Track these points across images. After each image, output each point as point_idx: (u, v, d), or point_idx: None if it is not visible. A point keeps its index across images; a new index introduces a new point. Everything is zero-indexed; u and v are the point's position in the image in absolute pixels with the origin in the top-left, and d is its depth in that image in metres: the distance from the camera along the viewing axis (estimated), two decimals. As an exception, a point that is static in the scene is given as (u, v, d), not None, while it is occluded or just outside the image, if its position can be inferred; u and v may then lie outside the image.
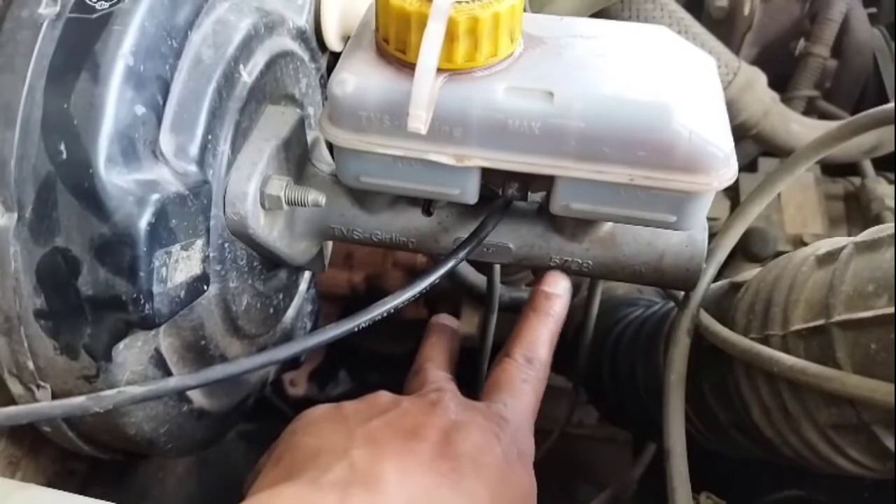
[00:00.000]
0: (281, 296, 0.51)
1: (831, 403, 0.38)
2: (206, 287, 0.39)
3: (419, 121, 0.32)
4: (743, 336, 0.43)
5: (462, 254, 0.41)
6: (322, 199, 0.41)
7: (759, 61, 0.85)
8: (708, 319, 0.46)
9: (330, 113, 0.37)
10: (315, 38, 0.51)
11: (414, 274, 0.84)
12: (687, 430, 0.45)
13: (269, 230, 0.42)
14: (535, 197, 0.44)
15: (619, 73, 0.37)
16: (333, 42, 0.52)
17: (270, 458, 0.39)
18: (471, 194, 0.39)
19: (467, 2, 0.34)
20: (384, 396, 0.41)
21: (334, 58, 0.54)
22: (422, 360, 0.47)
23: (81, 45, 0.32)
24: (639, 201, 0.38)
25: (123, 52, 0.32)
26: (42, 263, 0.32)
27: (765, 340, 0.42)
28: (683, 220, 0.38)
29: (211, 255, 0.39)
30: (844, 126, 0.46)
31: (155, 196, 0.33)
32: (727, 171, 0.37)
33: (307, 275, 0.57)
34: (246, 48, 0.41)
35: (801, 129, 0.71)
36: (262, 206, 0.41)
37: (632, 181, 0.36)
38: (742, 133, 0.70)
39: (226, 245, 0.41)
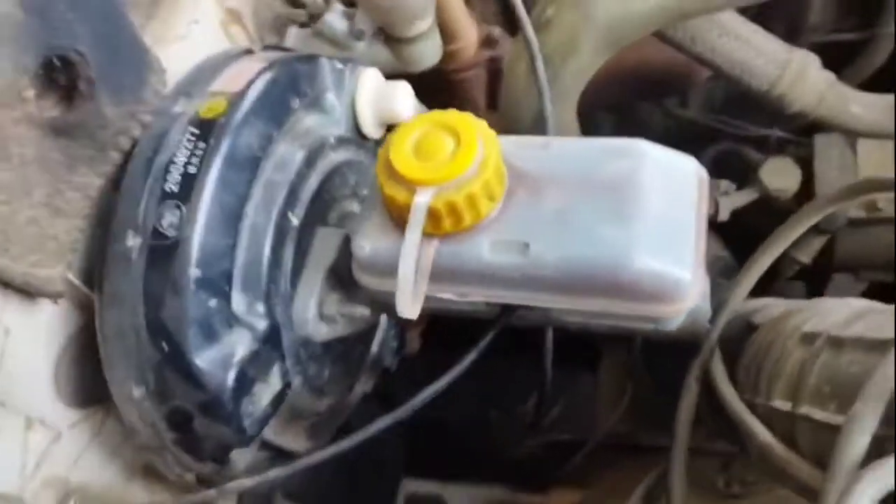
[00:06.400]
0: (358, 346, 0.62)
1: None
2: (288, 390, 0.51)
3: (409, 312, 0.40)
4: (740, 394, 0.49)
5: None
6: (367, 312, 0.51)
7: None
8: (716, 369, 0.51)
9: (357, 264, 0.46)
10: (356, 132, 0.58)
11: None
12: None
13: (332, 332, 0.53)
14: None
15: (590, 216, 0.42)
16: (372, 132, 0.59)
17: None
18: (483, 308, 0.47)
19: (447, 186, 0.41)
20: None
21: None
22: None
23: (162, 268, 0.43)
24: (619, 317, 0.44)
25: (193, 268, 0.43)
26: (168, 415, 0.46)
27: (753, 406, 0.48)
28: (663, 325, 0.44)
29: (288, 363, 0.51)
30: (850, 187, 0.48)
31: (235, 359, 0.45)
32: (694, 290, 0.42)
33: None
34: (292, 197, 0.49)
35: (860, 110, 0.68)
36: (322, 321, 0.51)
37: (606, 310, 0.43)
38: (800, 120, 0.69)
39: (300, 349, 0.52)
